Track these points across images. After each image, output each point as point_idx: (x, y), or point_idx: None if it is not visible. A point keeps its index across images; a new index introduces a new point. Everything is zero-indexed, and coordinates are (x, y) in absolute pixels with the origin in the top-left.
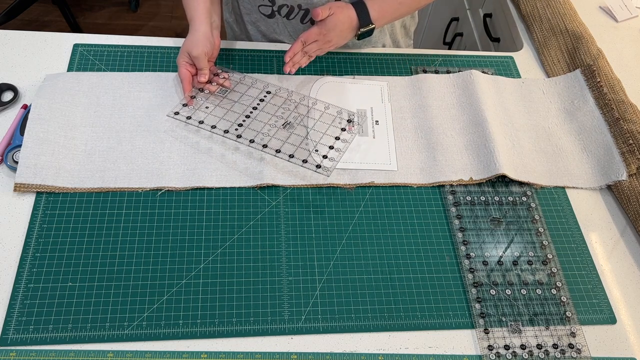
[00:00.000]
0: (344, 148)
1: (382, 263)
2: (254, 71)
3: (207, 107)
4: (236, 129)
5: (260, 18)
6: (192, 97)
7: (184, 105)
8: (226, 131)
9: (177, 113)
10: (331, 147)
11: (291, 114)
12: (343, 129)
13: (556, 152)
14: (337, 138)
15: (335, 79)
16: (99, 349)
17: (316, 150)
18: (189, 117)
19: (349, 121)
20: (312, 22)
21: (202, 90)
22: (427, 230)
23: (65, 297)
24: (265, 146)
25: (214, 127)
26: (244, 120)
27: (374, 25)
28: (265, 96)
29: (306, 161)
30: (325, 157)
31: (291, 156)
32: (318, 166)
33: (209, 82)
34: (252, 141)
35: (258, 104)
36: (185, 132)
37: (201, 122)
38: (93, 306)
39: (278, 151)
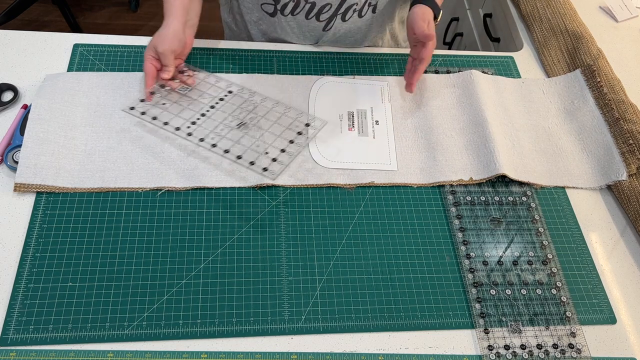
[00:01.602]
0: (297, 152)
1: (382, 263)
2: (254, 71)
3: (163, 104)
4: (188, 127)
5: (263, 16)
6: (152, 93)
7: (142, 100)
8: (177, 128)
9: (132, 108)
10: (283, 151)
11: (248, 115)
12: (299, 133)
13: (556, 152)
14: (292, 142)
15: (335, 79)
16: (99, 349)
17: (266, 153)
18: (143, 113)
19: (307, 125)
20: (317, 19)
21: (163, 86)
22: (427, 230)
23: (65, 297)
24: (214, 145)
25: (166, 123)
26: (198, 119)
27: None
28: (225, 95)
29: (253, 163)
30: (274, 160)
31: (239, 157)
32: (265, 169)
33: (172, 78)
34: (201, 140)
35: (217, 103)
36: None
37: (155, 119)
38: (93, 306)
39: (227, 151)
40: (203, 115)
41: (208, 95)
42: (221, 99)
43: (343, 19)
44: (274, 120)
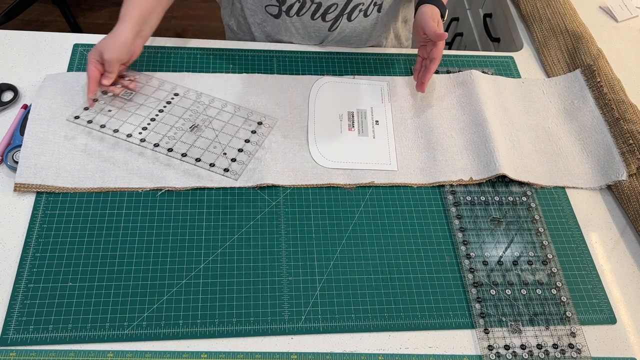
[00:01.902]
0: (254, 151)
1: (382, 263)
2: (254, 71)
3: (109, 110)
4: (140, 133)
5: (267, 18)
6: (95, 100)
7: (85, 108)
8: (129, 135)
9: (77, 117)
10: (240, 150)
11: (199, 117)
12: (253, 132)
13: (556, 152)
14: (247, 141)
15: (335, 79)
16: (99, 349)
17: (224, 154)
18: (90, 121)
19: (260, 123)
20: (323, 19)
21: (105, 92)
22: (427, 230)
23: (65, 297)
24: (170, 150)
25: (116, 130)
26: (148, 124)
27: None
28: (172, 98)
29: (213, 165)
30: (234, 160)
31: (198, 160)
32: (226, 170)
33: (114, 84)
34: (156, 145)
35: (165, 107)
36: None
37: (103, 126)
38: (93, 306)
39: (184, 155)
40: (153, 120)
41: (154, 99)
42: (168, 102)
43: (349, 19)
44: (226, 120)
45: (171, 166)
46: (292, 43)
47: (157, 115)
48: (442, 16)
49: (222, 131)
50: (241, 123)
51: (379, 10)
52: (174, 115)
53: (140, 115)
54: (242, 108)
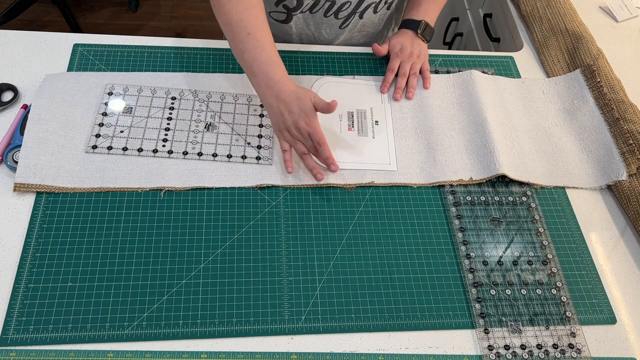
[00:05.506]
0: (272, 133)
1: (382, 263)
2: None
3: (121, 132)
4: (163, 146)
5: (273, 23)
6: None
7: (97, 136)
8: (155, 150)
9: (95, 147)
10: (260, 136)
11: (207, 114)
12: (261, 115)
13: (556, 152)
14: (261, 125)
15: (335, 79)
16: (99, 349)
17: (248, 143)
18: (110, 147)
19: (262, 106)
20: (336, 16)
21: (105, 114)
22: (427, 230)
23: (65, 297)
24: (200, 154)
25: (140, 150)
26: (166, 134)
27: (423, 20)
28: (172, 103)
29: (245, 157)
30: (259, 147)
31: (229, 156)
32: (258, 158)
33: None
34: (185, 153)
35: (170, 114)
36: None
37: (125, 149)
38: (93, 306)
39: (215, 155)
40: (167, 129)
41: (155, 108)
42: (171, 108)
43: (360, 17)
44: (232, 111)
45: (171, 166)
46: (300, 40)
47: (168, 124)
48: (417, 28)
49: (235, 122)
50: (246, 110)
51: (388, 8)
52: (184, 119)
53: (153, 129)
54: (240, 95)
